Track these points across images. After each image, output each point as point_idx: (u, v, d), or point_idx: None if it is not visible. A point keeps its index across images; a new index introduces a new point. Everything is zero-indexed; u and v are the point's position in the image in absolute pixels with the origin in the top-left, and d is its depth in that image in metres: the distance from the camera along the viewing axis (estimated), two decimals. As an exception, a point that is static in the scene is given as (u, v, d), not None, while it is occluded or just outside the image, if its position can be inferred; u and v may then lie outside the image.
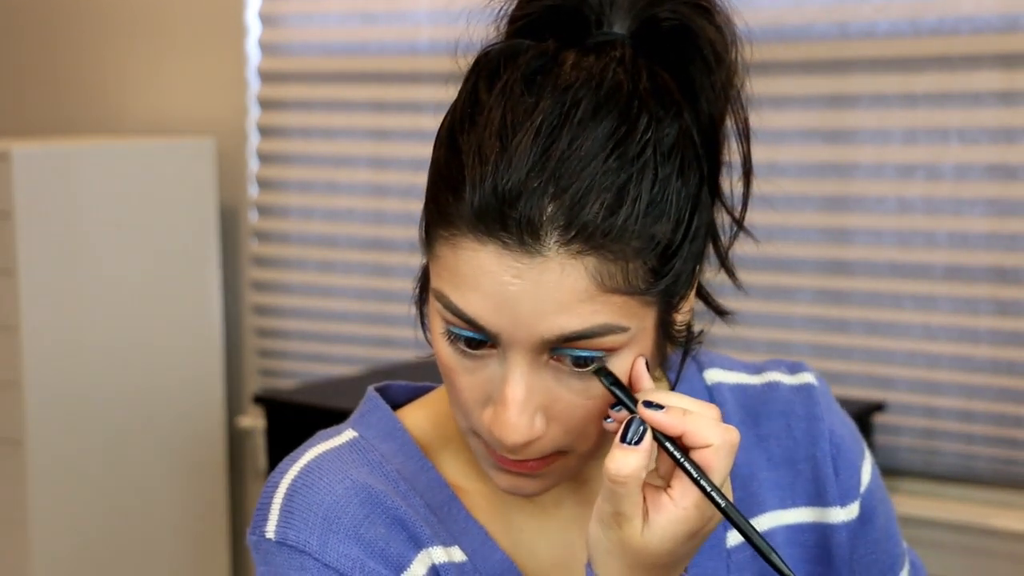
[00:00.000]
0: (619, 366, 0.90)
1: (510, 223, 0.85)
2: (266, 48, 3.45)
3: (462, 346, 0.90)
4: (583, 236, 0.85)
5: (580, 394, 0.90)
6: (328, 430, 1.04)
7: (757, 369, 1.11)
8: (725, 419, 1.06)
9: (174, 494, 3.37)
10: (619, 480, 0.85)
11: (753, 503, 1.05)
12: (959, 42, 2.61)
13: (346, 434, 1.03)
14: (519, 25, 0.94)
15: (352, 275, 3.38)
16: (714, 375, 1.09)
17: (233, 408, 3.58)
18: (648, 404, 0.87)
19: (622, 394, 0.88)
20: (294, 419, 2.90)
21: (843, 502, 1.07)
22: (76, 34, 3.70)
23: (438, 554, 0.98)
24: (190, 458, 3.40)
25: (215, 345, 3.45)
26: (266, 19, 3.44)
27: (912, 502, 2.69)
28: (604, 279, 0.86)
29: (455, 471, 1.03)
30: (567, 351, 0.88)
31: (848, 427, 1.10)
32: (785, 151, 2.75)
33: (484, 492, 1.02)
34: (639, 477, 0.86)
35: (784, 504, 1.06)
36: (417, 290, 0.99)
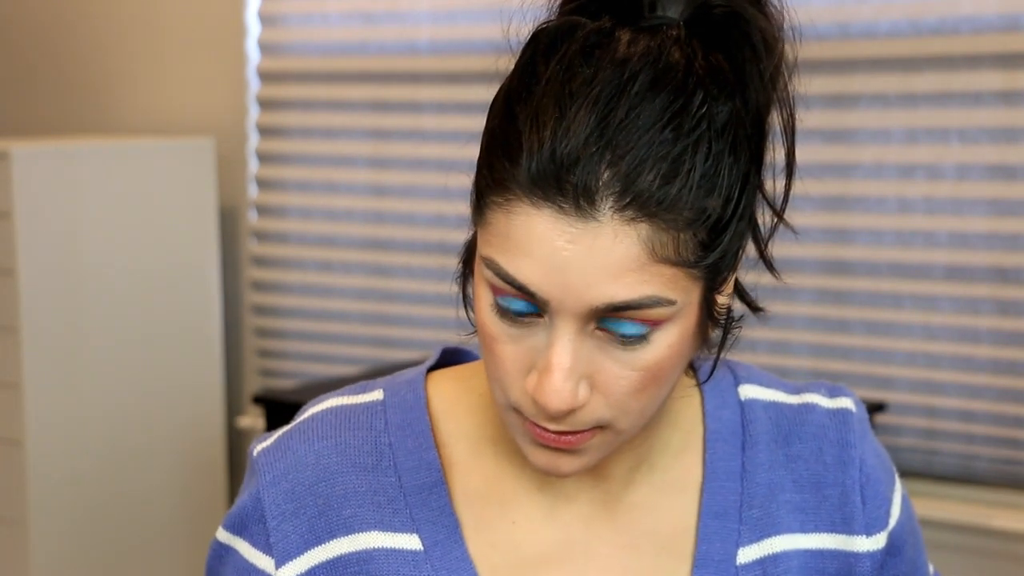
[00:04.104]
0: (663, 340, 0.90)
1: (567, 188, 0.86)
2: (266, 48, 3.45)
3: (509, 315, 0.91)
4: (638, 203, 0.86)
5: (624, 365, 0.90)
6: (366, 383, 1.08)
7: (797, 389, 1.10)
8: (755, 437, 1.06)
9: (174, 494, 3.37)
10: None
11: (770, 523, 1.04)
12: (959, 42, 2.61)
13: (373, 394, 1.06)
14: (572, 6, 0.94)
15: (352, 275, 3.38)
16: (749, 391, 1.09)
17: (233, 408, 3.58)
18: None
19: None
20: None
21: (869, 532, 1.06)
22: (76, 34, 3.70)
23: (376, 539, 1.00)
24: (190, 458, 3.40)
25: (215, 345, 3.45)
26: (266, 19, 3.44)
27: (913, 502, 2.69)
28: (656, 248, 0.87)
29: (466, 443, 1.04)
30: (614, 325, 0.89)
31: (881, 457, 1.09)
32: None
33: (489, 472, 1.03)
34: None
35: (805, 528, 1.05)
36: (460, 265, 1.00)
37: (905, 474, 2.77)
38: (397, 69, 3.26)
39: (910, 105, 2.67)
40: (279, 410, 2.98)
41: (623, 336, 0.89)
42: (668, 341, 0.90)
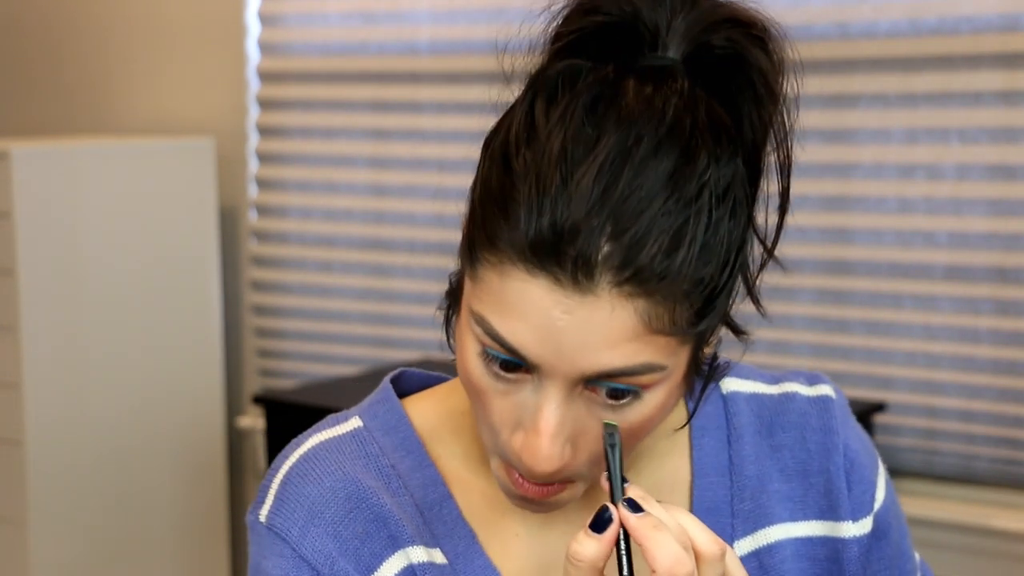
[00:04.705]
0: (651, 401, 0.90)
1: (565, 259, 0.84)
2: (266, 48, 3.45)
3: (496, 368, 0.89)
4: (637, 279, 0.84)
5: None
6: (337, 415, 1.06)
7: (775, 379, 1.10)
8: (739, 430, 1.06)
9: (174, 494, 3.37)
10: (575, 562, 0.86)
11: (762, 515, 1.05)
12: (959, 42, 2.61)
13: (351, 422, 1.04)
14: (569, 40, 0.92)
15: (352, 275, 3.38)
16: (730, 384, 1.08)
17: (233, 408, 3.58)
18: (630, 502, 0.86)
19: (617, 478, 0.88)
20: (294, 419, 2.90)
21: (855, 517, 1.06)
22: (76, 34, 3.70)
23: (418, 553, 0.99)
24: (190, 458, 3.40)
25: (215, 345, 3.45)
26: (266, 19, 3.44)
27: (912, 502, 2.69)
28: (652, 320, 0.85)
29: (459, 464, 1.03)
30: (605, 383, 0.88)
31: (863, 442, 1.09)
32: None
33: (485, 490, 1.02)
34: (595, 565, 0.85)
35: (794, 517, 1.06)
36: (446, 305, 0.98)
37: (905, 474, 2.77)
38: (397, 69, 3.25)
39: (910, 105, 2.67)
40: (279, 410, 2.98)
41: (613, 398, 0.89)
42: (655, 402, 0.90)
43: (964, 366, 2.67)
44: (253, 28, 3.45)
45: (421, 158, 3.22)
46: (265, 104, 3.46)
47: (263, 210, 3.50)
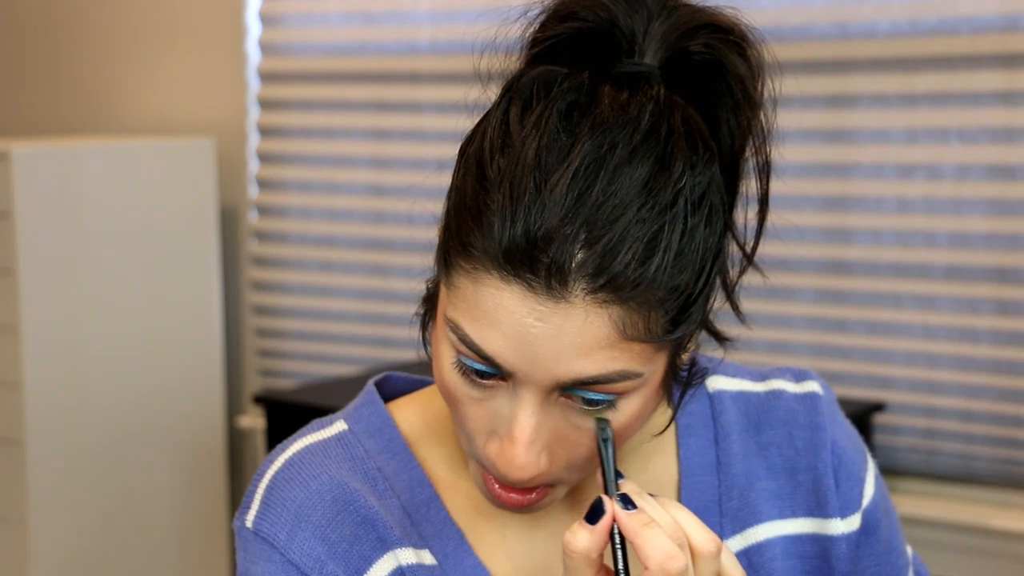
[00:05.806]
0: (627, 408, 0.90)
1: (539, 267, 0.84)
2: (266, 48, 3.45)
3: (472, 375, 0.89)
4: (611, 287, 0.84)
5: (587, 433, 0.90)
6: (322, 419, 1.06)
7: (762, 376, 1.10)
8: (726, 428, 1.06)
9: (174, 494, 3.37)
10: (568, 552, 0.86)
11: (750, 513, 1.05)
12: (959, 42, 2.61)
13: (336, 426, 1.04)
14: (547, 45, 0.92)
15: (352, 275, 3.38)
16: (716, 382, 1.08)
17: (233, 408, 3.58)
18: (623, 497, 0.86)
19: (610, 472, 0.88)
20: (294, 419, 2.89)
21: (843, 514, 1.06)
22: (76, 34, 3.70)
23: (406, 555, 0.99)
24: (190, 458, 3.40)
25: (215, 345, 3.45)
26: (266, 19, 3.44)
27: (912, 502, 2.69)
28: (626, 328, 0.85)
29: (444, 468, 1.03)
30: (580, 392, 0.88)
31: (852, 438, 1.09)
32: (785, 151, 2.74)
33: (470, 492, 1.02)
34: (589, 556, 0.86)
35: (783, 515, 1.05)
36: (423, 311, 0.98)
37: (905, 474, 2.77)
38: (397, 69, 3.26)
39: (910, 105, 2.67)
40: (279, 410, 2.98)
41: (589, 406, 0.89)
42: (632, 409, 0.90)
43: (964, 366, 2.67)
44: (253, 28, 3.45)
45: (421, 158, 3.22)
46: (265, 104, 3.46)
47: (263, 210, 3.50)
